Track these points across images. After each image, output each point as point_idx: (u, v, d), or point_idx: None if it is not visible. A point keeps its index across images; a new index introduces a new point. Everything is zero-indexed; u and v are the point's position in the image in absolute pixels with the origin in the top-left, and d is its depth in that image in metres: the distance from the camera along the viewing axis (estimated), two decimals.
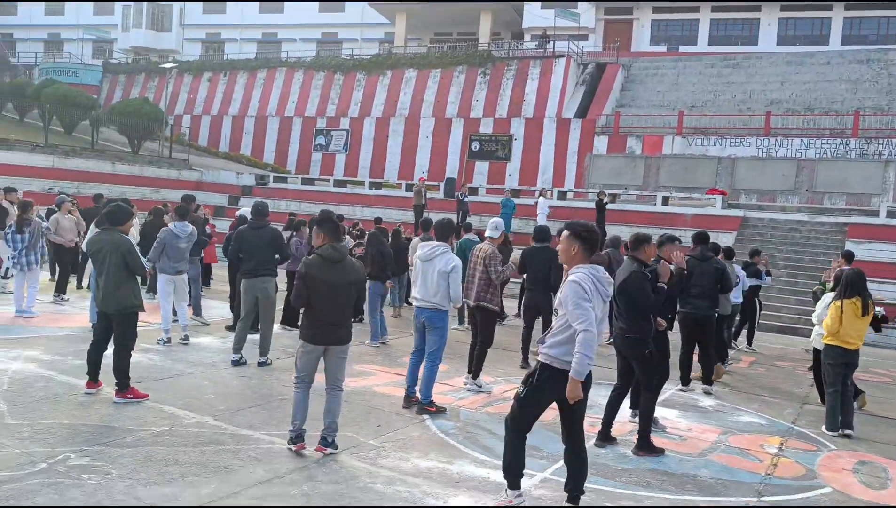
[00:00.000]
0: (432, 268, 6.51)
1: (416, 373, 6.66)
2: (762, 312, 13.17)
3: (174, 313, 8.92)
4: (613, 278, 5.59)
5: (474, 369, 7.63)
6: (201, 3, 51.38)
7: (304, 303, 5.13)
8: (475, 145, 31.40)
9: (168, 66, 34.66)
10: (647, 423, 5.77)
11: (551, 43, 33.28)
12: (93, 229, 9.13)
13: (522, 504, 4.39)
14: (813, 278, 16.47)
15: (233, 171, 30.22)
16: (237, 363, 7.77)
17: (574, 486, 4.39)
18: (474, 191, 24.55)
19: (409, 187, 24.42)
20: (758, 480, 5.39)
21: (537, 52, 33.75)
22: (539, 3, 38.89)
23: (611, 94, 31.53)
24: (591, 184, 27.44)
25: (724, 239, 16.99)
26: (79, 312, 10.39)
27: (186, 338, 8.73)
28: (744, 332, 12.07)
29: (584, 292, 4.17)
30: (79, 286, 12.52)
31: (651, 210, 20.36)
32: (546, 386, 4.27)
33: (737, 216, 19.60)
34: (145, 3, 51.08)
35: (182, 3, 51.47)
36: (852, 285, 6.96)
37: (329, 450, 5.16)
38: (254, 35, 49.73)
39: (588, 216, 18.37)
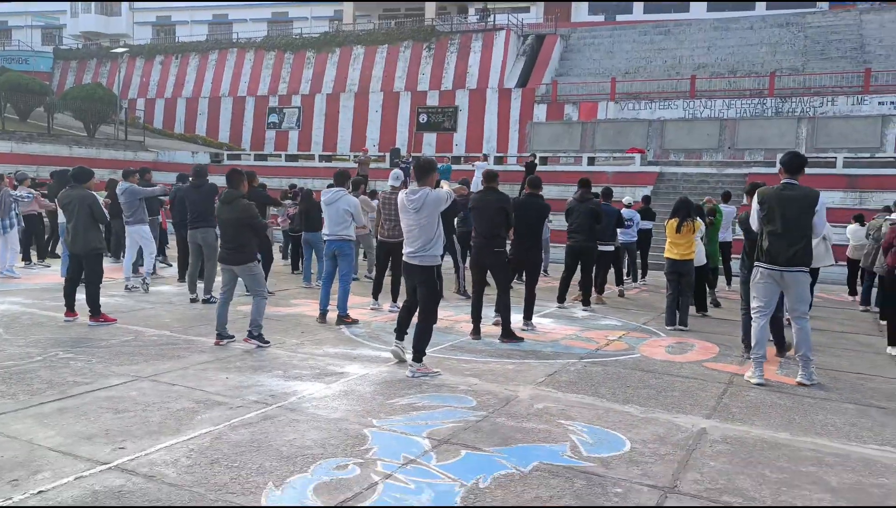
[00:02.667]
0: (336, 208, 8.15)
1: (328, 295, 8.29)
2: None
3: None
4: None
5: (393, 293, 9.27)
6: None
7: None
8: (423, 118, 32.87)
9: (119, 50, 35.29)
10: (507, 315, 7.51)
11: (492, 16, 34.68)
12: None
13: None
14: None
15: (188, 151, 31.26)
16: (193, 301, 9.30)
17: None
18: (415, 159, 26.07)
19: (356, 159, 25.85)
20: (586, 352, 7.15)
21: (479, 25, 35.21)
22: None
23: (549, 64, 33.16)
24: (532, 150, 29.14)
25: (642, 192, 18.83)
26: (51, 272, 11.80)
27: (147, 286, 10.19)
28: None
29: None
30: (51, 254, 13.85)
31: (579, 169, 22.08)
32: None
33: (653, 172, 21.48)
34: None
35: None
36: (674, 209, 8.79)
37: (254, 342, 6.75)
38: (204, 17, 50.15)
39: (519, 176, 20.18)
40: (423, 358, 5.99)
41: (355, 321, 8.18)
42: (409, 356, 6.10)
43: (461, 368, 6.27)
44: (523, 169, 20.73)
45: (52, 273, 11.65)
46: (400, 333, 6.30)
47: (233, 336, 6.91)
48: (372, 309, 9.17)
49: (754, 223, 6.19)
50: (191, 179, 9.77)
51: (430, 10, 40.42)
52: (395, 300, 9.24)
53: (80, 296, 7.77)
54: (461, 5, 42.51)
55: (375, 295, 9.34)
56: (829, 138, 25.50)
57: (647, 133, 27.91)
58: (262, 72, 37.82)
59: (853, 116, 25.82)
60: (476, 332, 7.59)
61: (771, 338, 6.97)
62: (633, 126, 28.24)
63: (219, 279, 10.42)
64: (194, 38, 43.33)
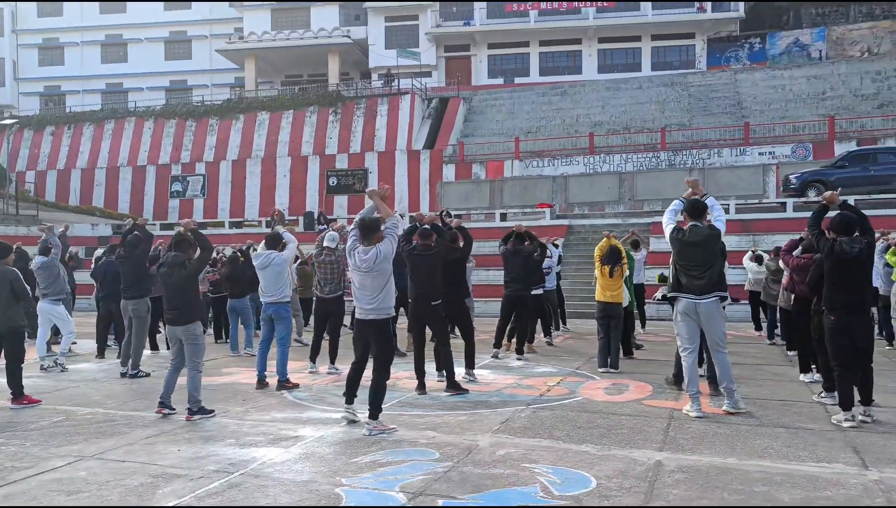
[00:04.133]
0: (271, 271, 8.12)
1: (265, 360, 8.16)
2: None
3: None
4: None
5: (331, 354, 9.20)
6: (37, 55, 49.81)
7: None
8: (332, 180, 32.99)
9: (8, 122, 33.74)
10: (451, 367, 7.63)
11: (396, 81, 35.64)
12: None
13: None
14: None
15: (87, 223, 29.93)
16: (124, 375, 8.89)
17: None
18: (333, 221, 26.06)
19: (268, 224, 25.56)
20: (531, 399, 7.35)
21: (384, 89, 36.07)
22: (384, 44, 41.35)
23: (455, 125, 34.26)
24: (442, 209, 29.84)
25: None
26: None
27: (63, 366, 9.62)
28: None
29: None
30: None
31: (492, 225, 22.79)
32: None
33: (563, 225, 22.42)
34: None
35: (15, 57, 49.61)
36: (606, 256, 9.28)
37: (196, 417, 6.52)
38: (97, 86, 48.78)
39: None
40: (380, 415, 6.00)
41: (296, 386, 8.05)
42: (362, 416, 6.08)
43: (415, 423, 6.30)
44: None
45: None
46: (350, 396, 6.26)
47: (174, 409, 6.66)
48: (310, 372, 9.05)
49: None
50: (120, 250, 9.46)
51: (333, 75, 41.07)
52: (332, 362, 9.17)
53: None
54: (363, 71, 43.47)
55: (313, 358, 9.23)
56: (719, 187, 27.40)
57: (552, 188, 29.18)
58: (162, 140, 37.00)
59: (738, 166, 28.00)
60: (422, 387, 7.64)
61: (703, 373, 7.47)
62: (539, 182, 29.47)
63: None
64: (87, 108, 42.01)
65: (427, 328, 7.91)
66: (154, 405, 7.12)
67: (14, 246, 11.14)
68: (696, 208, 6.70)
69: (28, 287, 7.64)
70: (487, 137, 33.45)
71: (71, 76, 49.10)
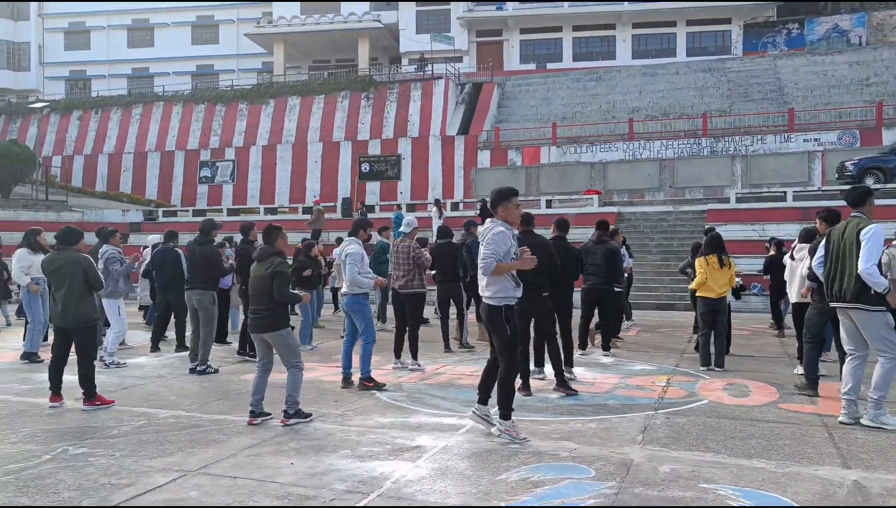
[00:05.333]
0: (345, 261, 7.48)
1: (349, 356, 7.49)
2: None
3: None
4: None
5: (411, 350, 8.55)
6: (63, 39, 49.46)
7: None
8: (365, 167, 32.31)
9: (39, 105, 33.34)
10: (559, 363, 6.95)
11: (431, 66, 34.86)
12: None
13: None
14: (682, 259, 18.59)
15: (116, 209, 29.48)
16: (192, 371, 8.28)
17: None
18: (370, 208, 25.45)
19: (305, 211, 24.94)
20: (653, 402, 6.65)
21: (417, 74, 35.29)
22: (414, 29, 40.53)
23: (489, 110, 33.45)
24: (477, 195, 29.10)
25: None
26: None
27: (116, 362, 8.98)
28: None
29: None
30: None
31: (537, 212, 21.90)
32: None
33: (612, 212, 21.61)
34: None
35: (41, 41, 49.30)
36: (709, 244, 8.53)
37: (292, 421, 5.88)
38: (123, 70, 48.38)
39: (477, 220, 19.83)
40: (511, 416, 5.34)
41: (382, 385, 7.38)
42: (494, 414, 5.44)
43: (542, 431, 5.61)
44: (478, 213, 20.39)
45: (4, 350, 10.28)
46: (484, 396, 5.57)
47: (269, 414, 6.02)
48: (394, 368, 8.39)
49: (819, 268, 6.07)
50: (197, 235, 8.82)
51: (363, 60, 40.32)
52: (414, 358, 8.52)
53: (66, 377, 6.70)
54: (392, 56, 42.68)
55: (398, 353, 8.56)
56: (762, 174, 26.61)
57: (591, 175, 28.38)
58: (191, 125, 36.49)
59: (782, 154, 27.05)
60: (526, 387, 6.96)
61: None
62: (577, 169, 28.66)
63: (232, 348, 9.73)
64: (113, 92, 41.55)
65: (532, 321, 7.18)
66: (237, 406, 6.53)
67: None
68: (859, 195, 5.97)
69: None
70: (522, 122, 32.63)
71: (97, 60, 48.74)
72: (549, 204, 22.72)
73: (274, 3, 42.85)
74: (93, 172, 36.72)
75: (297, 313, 10.89)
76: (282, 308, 6.01)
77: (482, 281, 5.34)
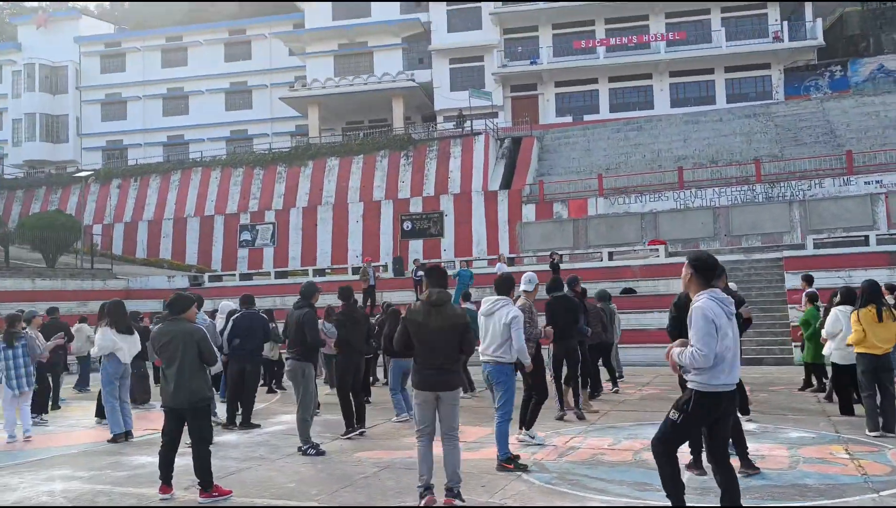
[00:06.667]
0: (493, 321, 6.62)
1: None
2: None
3: None
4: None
5: (528, 421, 7.66)
6: (100, 110, 50.38)
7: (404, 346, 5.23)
8: (407, 225, 31.82)
9: (83, 174, 33.53)
10: (742, 439, 6.02)
11: (470, 123, 34.74)
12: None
13: None
14: (763, 310, 17.62)
15: (161, 275, 29.13)
16: (302, 452, 7.46)
17: (731, 501, 4.50)
18: (423, 267, 24.76)
19: (355, 271, 24.32)
20: (860, 480, 5.68)
21: (455, 131, 35.12)
22: (448, 86, 40.70)
23: (530, 164, 33.01)
24: (524, 250, 28.38)
25: (676, 285, 17.93)
26: (65, 430, 9.72)
27: None
28: None
29: (707, 317, 4.42)
30: (55, 406, 11.63)
31: (599, 266, 21.20)
32: (699, 410, 4.42)
33: (681, 263, 20.71)
34: (38, 116, 49.58)
35: (79, 113, 50.28)
36: (866, 294, 7.62)
37: (457, 501, 5.03)
38: (159, 138, 48.94)
39: (545, 276, 18.99)
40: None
41: (525, 466, 6.46)
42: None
43: None
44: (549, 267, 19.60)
45: (70, 430, 9.54)
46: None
47: (463, 501, 5.17)
48: (520, 440, 7.48)
49: None
50: (298, 299, 8.08)
51: (398, 119, 40.38)
52: (528, 428, 7.62)
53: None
54: (425, 115, 42.77)
55: (527, 423, 7.63)
56: (822, 219, 25.69)
57: (641, 225, 27.63)
58: (230, 189, 36.45)
59: (843, 197, 26.17)
60: (698, 464, 6.02)
61: None
62: (626, 220, 27.95)
63: (328, 418, 8.67)
64: (151, 160, 41.89)
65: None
66: (366, 490, 5.66)
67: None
68: None
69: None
70: (564, 175, 32.08)
71: (133, 130, 49.43)
72: (610, 257, 21.85)
73: (308, 66, 43.25)
74: (133, 240, 36.65)
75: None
76: (458, 365, 5.28)
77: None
